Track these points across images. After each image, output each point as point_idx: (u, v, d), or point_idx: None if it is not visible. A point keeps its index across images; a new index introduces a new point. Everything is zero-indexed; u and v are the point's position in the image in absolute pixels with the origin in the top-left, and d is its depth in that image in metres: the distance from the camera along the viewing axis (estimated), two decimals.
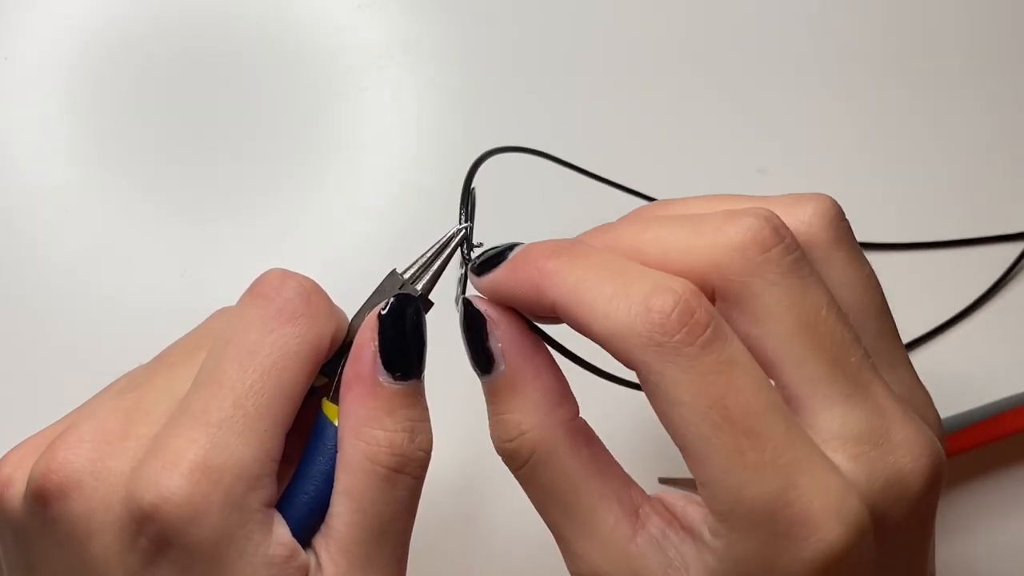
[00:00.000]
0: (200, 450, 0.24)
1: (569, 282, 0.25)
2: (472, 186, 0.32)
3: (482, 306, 0.28)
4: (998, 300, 0.47)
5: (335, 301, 0.30)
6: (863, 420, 0.24)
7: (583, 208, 0.44)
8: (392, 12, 0.52)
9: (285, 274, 0.28)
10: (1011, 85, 0.52)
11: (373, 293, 0.30)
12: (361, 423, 0.26)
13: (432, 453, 0.28)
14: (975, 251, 0.48)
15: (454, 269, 0.31)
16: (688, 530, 0.24)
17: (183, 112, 0.49)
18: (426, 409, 0.28)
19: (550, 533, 0.27)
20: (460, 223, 0.31)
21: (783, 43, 0.52)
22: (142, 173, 0.48)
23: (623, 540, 0.25)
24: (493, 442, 0.27)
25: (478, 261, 0.29)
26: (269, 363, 0.26)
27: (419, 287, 0.30)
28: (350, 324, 0.29)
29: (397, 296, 0.28)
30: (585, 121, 0.50)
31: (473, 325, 0.27)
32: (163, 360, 0.29)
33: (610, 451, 0.27)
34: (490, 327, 0.27)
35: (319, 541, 0.26)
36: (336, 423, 0.27)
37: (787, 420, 0.23)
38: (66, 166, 0.48)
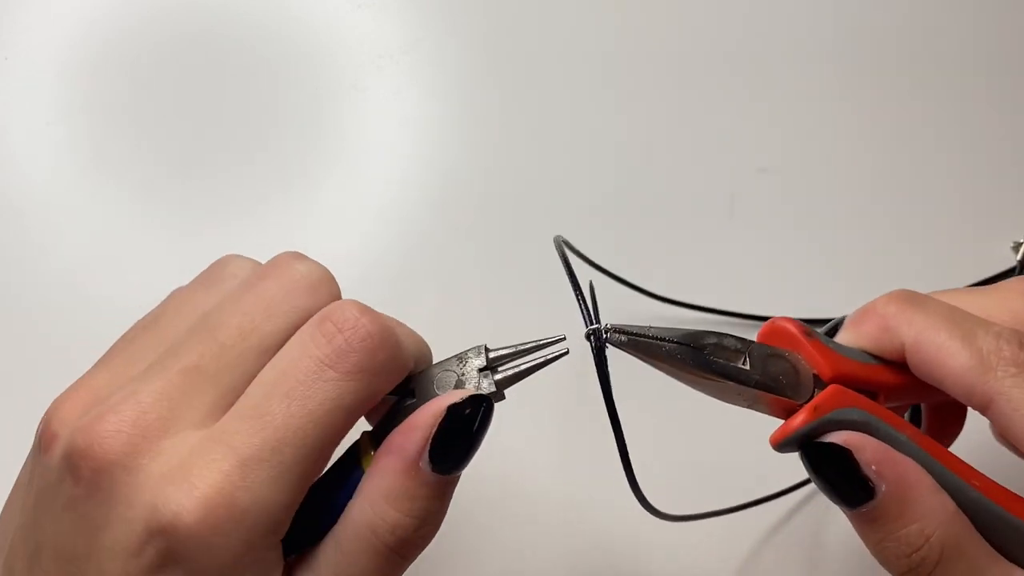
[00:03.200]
0: (230, 486, 0.24)
1: (917, 323, 0.27)
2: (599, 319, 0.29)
3: (837, 437, 0.26)
4: None
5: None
6: None
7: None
8: (392, 12, 0.52)
9: (362, 312, 0.26)
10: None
11: (454, 356, 0.28)
12: (381, 493, 0.26)
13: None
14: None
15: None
16: None
17: (183, 112, 0.49)
18: (447, 502, 0.27)
19: None
20: (588, 323, 0.28)
21: (782, 44, 0.52)
22: (141, 172, 0.48)
23: None
24: (889, 563, 0.26)
25: (823, 330, 0.29)
26: (320, 413, 0.25)
27: (498, 378, 0.28)
28: (419, 374, 0.28)
29: (474, 397, 0.27)
30: (584, 119, 0.50)
31: (835, 463, 0.26)
32: (215, 336, 0.27)
33: None
34: (857, 455, 0.26)
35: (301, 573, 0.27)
36: (364, 469, 0.27)
37: None
38: (65, 166, 0.48)
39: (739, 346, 0.27)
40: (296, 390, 0.25)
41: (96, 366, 0.29)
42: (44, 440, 0.27)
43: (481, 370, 0.28)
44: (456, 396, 0.27)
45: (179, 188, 0.48)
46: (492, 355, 0.28)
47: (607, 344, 0.27)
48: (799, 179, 0.50)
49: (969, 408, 0.27)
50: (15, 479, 0.29)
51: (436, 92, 0.51)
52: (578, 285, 0.28)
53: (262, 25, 0.51)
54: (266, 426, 0.25)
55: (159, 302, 0.31)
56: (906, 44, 0.53)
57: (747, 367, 0.27)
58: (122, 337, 0.30)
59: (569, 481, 0.42)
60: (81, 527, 0.25)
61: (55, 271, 0.46)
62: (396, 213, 0.48)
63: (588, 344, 0.28)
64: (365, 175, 0.49)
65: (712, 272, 0.47)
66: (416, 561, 0.28)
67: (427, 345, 0.29)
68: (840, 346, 0.28)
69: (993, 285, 0.29)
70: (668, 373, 0.28)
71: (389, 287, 0.46)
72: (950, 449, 0.27)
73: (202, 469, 0.24)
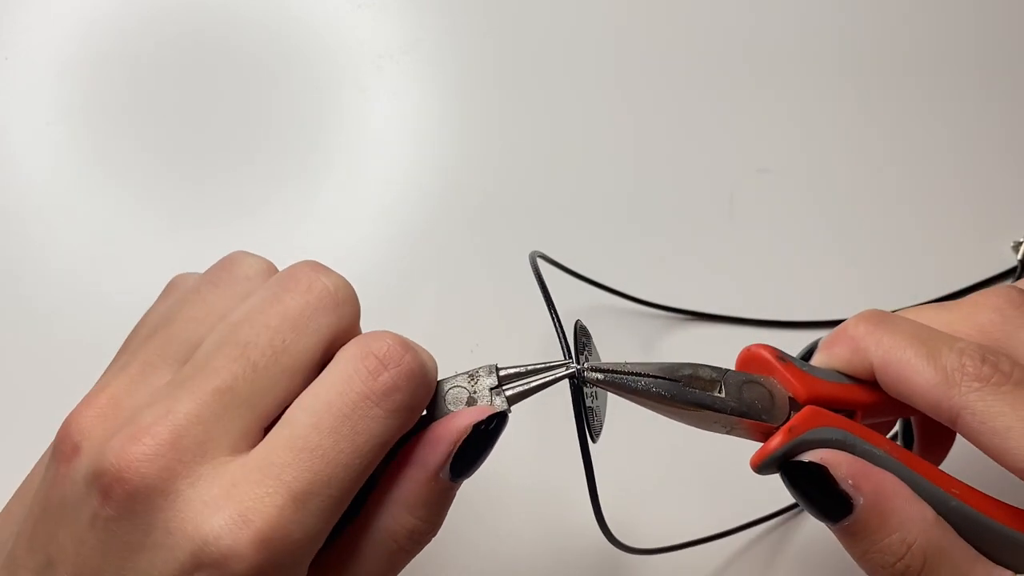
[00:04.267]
0: (285, 521, 0.25)
1: (885, 343, 0.28)
2: (579, 322, 0.31)
3: (813, 456, 0.27)
4: None
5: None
6: None
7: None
8: (392, 12, 0.52)
9: (406, 349, 0.27)
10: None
11: (464, 373, 0.29)
12: (401, 501, 0.28)
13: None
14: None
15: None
16: None
17: (183, 112, 0.49)
18: (450, 503, 0.29)
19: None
20: (567, 358, 0.29)
21: (783, 44, 0.52)
22: (141, 172, 0.48)
23: None
24: (875, 573, 0.27)
25: (799, 356, 0.30)
26: (366, 449, 0.26)
27: (509, 394, 0.29)
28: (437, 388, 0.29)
29: (499, 415, 0.28)
30: (583, 118, 0.50)
31: (812, 480, 0.27)
32: (247, 355, 0.27)
33: None
34: (832, 470, 0.27)
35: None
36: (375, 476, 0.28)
37: None
38: (65, 166, 0.48)
39: (714, 375, 0.28)
40: (344, 425, 0.26)
41: (112, 370, 0.29)
42: (64, 451, 0.26)
43: (492, 388, 0.29)
44: (481, 414, 0.28)
45: (179, 188, 0.48)
46: (502, 374, 0.29)
47: (585, 383, 0.29)
48: (799, 179, 0.50)
49: None
50: (21, 482, 0.29)
51: (436, 92, 0.51)
52: (559, 322, 0.30)
53: (262, 25, 0.51)
54: (316, 460, 0.25)
55: (160, 292, 0.31)
56: (906, 44, 0.53)
57: (723, 395, 0.28)
58: (133, 335, 0.30)
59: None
60: (110, 547, 0.25)
61: (55, 271, 0.46)
62: (396, 213, 0.48)
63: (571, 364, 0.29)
64: (365, 175, 0.49)
65: (711, 272, 0.47)
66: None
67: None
68: (814, 368, 0.29)
69: (961, 299, 0.30)
70: (646, 407, 0.28)
71: (389, 287, 0.46)
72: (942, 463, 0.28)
73: (255, 503, 0.25)
